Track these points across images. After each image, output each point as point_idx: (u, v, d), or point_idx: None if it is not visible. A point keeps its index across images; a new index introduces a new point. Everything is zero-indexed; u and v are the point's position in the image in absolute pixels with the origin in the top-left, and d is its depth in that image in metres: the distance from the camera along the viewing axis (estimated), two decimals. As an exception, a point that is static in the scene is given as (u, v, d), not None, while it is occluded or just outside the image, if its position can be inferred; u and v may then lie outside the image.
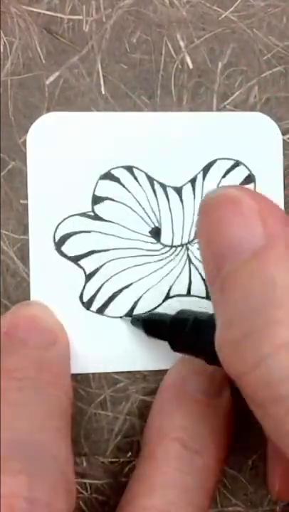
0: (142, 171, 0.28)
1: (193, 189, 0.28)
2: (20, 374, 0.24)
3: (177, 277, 0.28)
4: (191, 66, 0.28)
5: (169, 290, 0.28)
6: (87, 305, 0.28)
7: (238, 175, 0.28)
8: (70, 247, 0.27)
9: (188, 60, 0.28)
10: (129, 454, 0.28)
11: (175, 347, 0.25)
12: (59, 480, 0.21)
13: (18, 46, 0.27)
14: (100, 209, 0.28)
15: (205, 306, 0.28)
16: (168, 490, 0.24)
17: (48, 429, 0.22)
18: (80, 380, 0.27)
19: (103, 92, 0.27)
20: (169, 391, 0.27)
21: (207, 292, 0.28)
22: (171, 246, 0.28)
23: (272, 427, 0.17)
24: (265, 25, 0.28)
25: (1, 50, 0.27)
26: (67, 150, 0.27)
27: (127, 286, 0.28)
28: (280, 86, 0.28)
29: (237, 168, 0.28)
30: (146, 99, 0.28)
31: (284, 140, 0.28)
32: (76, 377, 0.27)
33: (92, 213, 0.27)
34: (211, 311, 0.28)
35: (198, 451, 0.25)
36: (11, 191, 0.27)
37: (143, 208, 0.28)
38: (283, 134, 0.28)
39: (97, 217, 0.27)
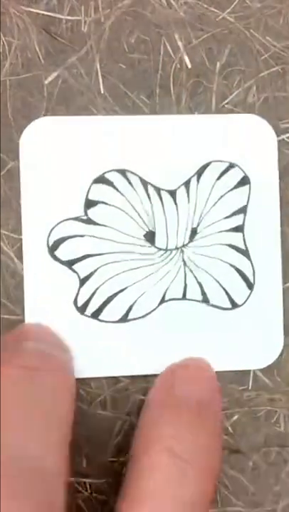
0: (135, 174, 0.28)
1: (188, 192, 0.28)
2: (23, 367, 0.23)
3: (172, 281, 0.28)
4: (189, 66, 0.28)
5: (164, 294, 0.28)
6: (82, 309, 0.27)
7: (233, 177, 0.28)
8: (64, 252, 0.27)
9: (186, 59, 0.28)
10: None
11: None
12: (43, 502, 0.20)
13: (17, 46, 0.27)
14: (93, 213, 0.27)
15: (201, 310, 0.28)
16: (157, 502, 0.23)
17: (43, 440, 0.22)
18: (80, 380, 0.27)
19: (102, 92, 0.27)
20: (157, 399, 0.26)
21: (203, 296, 0.28)
22: (166, 249, 0.28)
23: None
24: (262, 26, 0.28)
25: (0, 51, 0.27)
26: (59, 154, 0.27)
27: (121, 291, 0.28)
28: (277, 86, 0.28)
29: (232, 170, 0.28)
30: (145, 98, 0.28)
31: (283, 140, 0.28)
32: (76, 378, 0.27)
33: (85, 217, 0.27)
34: (207, 314, 0.28)
35: (189, 461, 0.24)
36: (11, 191, 0.27)
37: (137, 212, 0.28)
38: (282, 133, 0.28)
39: (90, 222, 0.27)
